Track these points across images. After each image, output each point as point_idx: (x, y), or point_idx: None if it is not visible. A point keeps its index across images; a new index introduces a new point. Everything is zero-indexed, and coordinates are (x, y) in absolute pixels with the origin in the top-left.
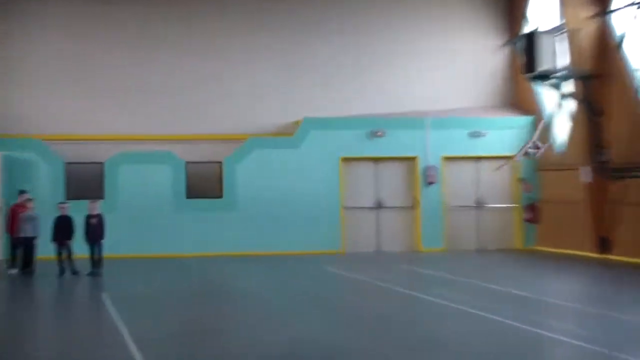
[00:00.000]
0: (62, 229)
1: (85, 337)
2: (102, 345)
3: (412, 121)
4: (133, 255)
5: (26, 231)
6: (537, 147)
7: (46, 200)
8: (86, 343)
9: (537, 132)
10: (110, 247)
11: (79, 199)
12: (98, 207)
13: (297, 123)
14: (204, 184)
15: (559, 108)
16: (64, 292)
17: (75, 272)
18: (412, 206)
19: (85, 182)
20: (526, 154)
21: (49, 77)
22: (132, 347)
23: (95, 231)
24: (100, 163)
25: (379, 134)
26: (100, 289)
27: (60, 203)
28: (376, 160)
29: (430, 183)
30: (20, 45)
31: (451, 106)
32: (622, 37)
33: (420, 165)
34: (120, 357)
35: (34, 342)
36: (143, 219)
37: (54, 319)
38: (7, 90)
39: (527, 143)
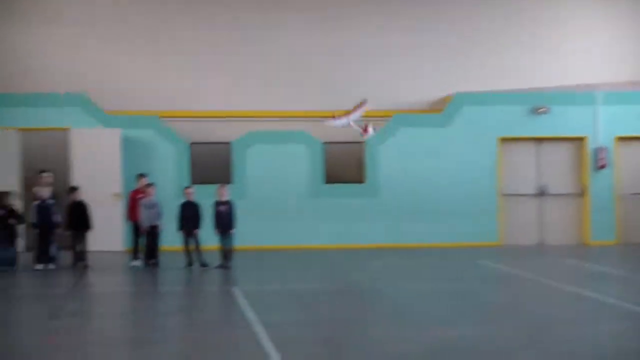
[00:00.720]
0: (189, 216)
1: (217, 337)
2: (236, 346)
3: (580, 96)
4: (264, 247)
5: (148, 219)
6: (366, 130)
7: (169, 184)
8: (219, 343)
9: (358, 111)
10: (239, 237)
11: (204, 184)
12: (227, 192)
13: (447, 99)
14: (343, 168)
15: None
16: (192, 286)
17: (203, 265)
18: (579, 193)
19: (212, 164)
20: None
21: (168, 51)
22: (269, 347)
23: (224, 220)
24: (227, 143)
25: (543, 110)
26: (230, 284)
27: (187, 188)
28: (539, 140)
29: (601, 167)
30: (134, 17)
31: (627, 77)
32: None
33: (589, 146)
34: (257, 358)
35: (163, 344)
36: (276, 206)
37: (182, 316)
38: (122, 63)
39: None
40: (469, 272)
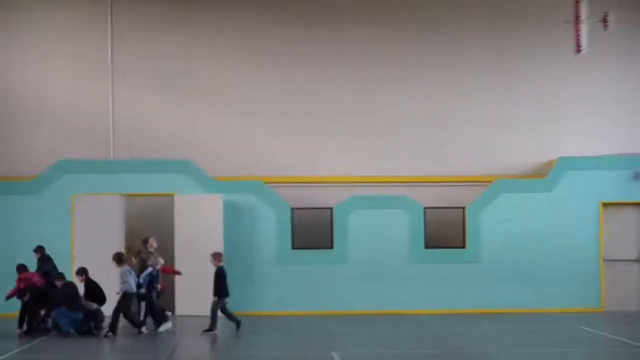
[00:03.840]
0: None
1: None
2: None
3: None
4: (364, 312)
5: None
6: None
7: (272, 248)
8: None
9: None
10: (340, 301)
11: (306, 249)
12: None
13: (550, 163)
14: (444, 232)
15: None
16: (290, 351)
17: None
18: None
19: (313, 229)
20: None
21: (268, 116)
22: None
23: None
24: (329, 208)
25: None
26: (329, 349)
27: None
28: None
29: None
30: (238, 84)
31: None
32: None
33: None
34: None
35: None
36: (376, 271)
37: None
38: (226, 132)
39: None
40: (577, 338)
